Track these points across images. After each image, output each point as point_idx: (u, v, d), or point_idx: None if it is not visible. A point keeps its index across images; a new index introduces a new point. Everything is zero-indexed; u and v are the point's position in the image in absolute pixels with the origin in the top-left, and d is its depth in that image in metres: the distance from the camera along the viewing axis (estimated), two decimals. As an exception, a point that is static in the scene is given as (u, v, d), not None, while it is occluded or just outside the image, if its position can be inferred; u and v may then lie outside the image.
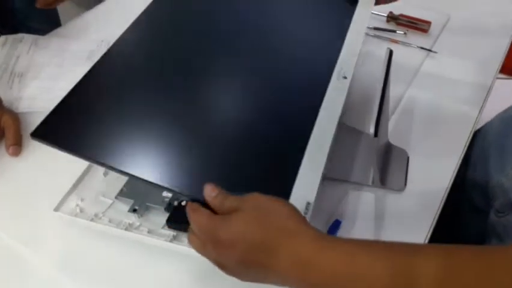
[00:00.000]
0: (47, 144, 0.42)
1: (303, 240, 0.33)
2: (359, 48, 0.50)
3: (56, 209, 0.51)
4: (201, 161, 0.42)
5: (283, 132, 0.43)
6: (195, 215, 0.38)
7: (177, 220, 0.48)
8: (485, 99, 0.64)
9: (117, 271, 0.48)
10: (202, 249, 0.38)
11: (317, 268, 0.32)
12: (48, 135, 0.42)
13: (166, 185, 0.41)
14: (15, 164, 0.60)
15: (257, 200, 0.36)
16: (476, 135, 0.66)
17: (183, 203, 0.50)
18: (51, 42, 0.78)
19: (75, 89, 0.46)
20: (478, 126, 0.62)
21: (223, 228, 0.35)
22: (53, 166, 0.58)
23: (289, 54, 0.50)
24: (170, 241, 0.48)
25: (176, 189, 0.41)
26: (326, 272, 0.32)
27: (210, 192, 0.38)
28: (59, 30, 0.82)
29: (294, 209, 0.36)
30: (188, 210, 0.39)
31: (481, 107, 0.63)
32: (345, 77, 0.46)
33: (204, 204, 0.39)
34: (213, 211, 0.38)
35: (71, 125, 0.44)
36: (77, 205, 0.52)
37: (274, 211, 0.35)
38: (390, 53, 0.51)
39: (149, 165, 0.42)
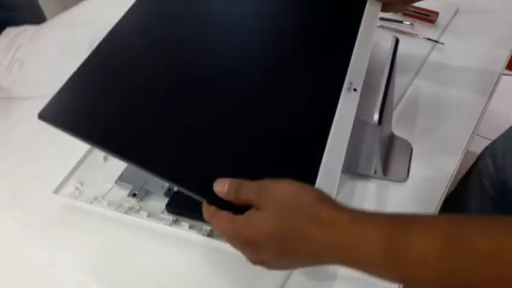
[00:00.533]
0: (55, 126, 0.40)
1: (339, 226, 0.32)
2: (367, 59, 0.48)
3: (56, 192, 0.51)
4: (218, 161, 0.40)
5: (293, 151, 0.41)
6: (215, 221, 0.36)
7: (177, 205, 0.48)
8: (491, 93, 0.63)
9: (116, 255, 0.47)
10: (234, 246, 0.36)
11: (358, 252, 0.31)
12: (56, 117, 0.41)
13: (174, 182, 0.39)
14: (16, 147, 0.59)
15: (279, 189, 0.34)
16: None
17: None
18: (53, 30, 0.78)
19: (80, 70, 0.44)
20: (484, 121, 0.61)
21: (250, 228, 0.34)
22: (54, 149, 0.58)
23: (296, 65, 0.47)
24: (170, 225, 0.47)
25: (191, 192, 0.38)
26: (367, 254, 0.31)
27: (220, 189, 0.36)
28: (61, 17, 0.81)
29: (320, 193, 0.34)
30: (207, 217, 0.37)
31: (487, 101, 0.62)
32: (355, 89, 0.45)
33: (220, 201, 0.37)
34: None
35: (80, 108, 0.42)
36: (77, 188, 0.52)
37: (301, 199, 0.33)
38: (397, 41, 0.51)
39: (157, 156, 0.40)
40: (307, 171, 0.38)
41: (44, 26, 0.80)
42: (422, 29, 0.70)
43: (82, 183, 0.53)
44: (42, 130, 0.60)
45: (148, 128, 0.41)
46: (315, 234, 0.32)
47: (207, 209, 0.37)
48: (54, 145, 0.58)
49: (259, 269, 0.36)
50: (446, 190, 0.53)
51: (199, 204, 0.48)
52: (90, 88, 0.44)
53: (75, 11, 0.82)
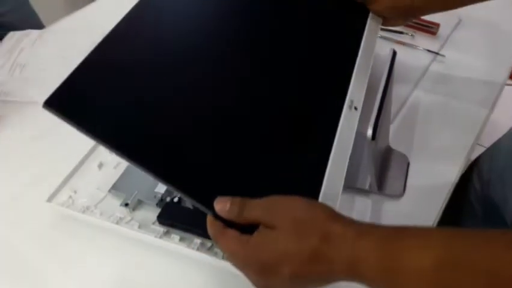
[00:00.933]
0: (61, 117, 0.37)
1: (347, 241, 0.31)
2: (367, 77, 0.48)
3: (49, 200, 0.51)
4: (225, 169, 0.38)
5: (296, 170, 0.40)
6: (223, 241, 0.34)
7: (168, 216, 0.48)
8: (492, 107, 0.62)
9: (105, 265, 0.47)
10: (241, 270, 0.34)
11: (362, 266, 0.31)
12: (63, 107, 0.38)
13: (177, 188, 0.37)
14: (14, 151, 0.60)
15: (291, 206, 0.33)
16: (492, 149, 0.63)
17: (175, 200, 0.50)
18: (56, 35, 0.78)
19: (90, 58, 0.41)
20: (485, 135, 0.61)
21: (264, 250, 0.32)
22: (48, 156, 0.58)
23: (298, 83, 0.46)
24: (160, 237, 0.47)
25: (195, 200, 0.36)
26: (368, 269, 0.31)
27: (221, 207, 0.34)
28: (63, 22, 0.82)
29: (331, 209, 0.34)
30: (212, 234, 0.35)
31: (488, 115, 0.61)
32: (356, 108, 0.44)
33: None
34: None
35: (90, 99, 0.39)
36: (70, 197, 0.52)
37: (314, 216, 0.32)
38: (394, 54, 0.50)
39: (161, 158, 0.37)
40: (310, 190, 0.38)
41: (46, 31, 0.80)
42: (423, 41, 0.70)
43: (75, 192, 0.53)
44: (42, 135, 0.61)
45: (154, 128, 0.39)
46: (329, 252, 0.31)
47: (213, 225, 0.35)
48: (52, 150, 0.59)
49: (250, 283, 0.35)
50: (443, 206, 0.52)
51: (191, 216, 0.48)
52: (101, 78, 0.41)
53: (77, 16, 0.83)
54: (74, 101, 0.39)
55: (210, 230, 0.35)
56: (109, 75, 0.41)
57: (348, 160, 0.42)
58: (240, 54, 0.47)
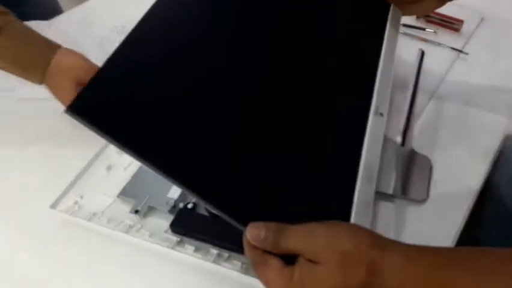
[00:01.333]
0: (88, 125, 0.32)
1: (395, 269, 0.30)
2: (391, 81, 0.46)
3: (53, 206, 0.48)
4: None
5: (327, 182, 0.38)
6: (265, 271, 0.32)
7: (182, 224, 0.45)
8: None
9: (113, 275, 0.45)
10: None
11: None
12: (91, 115, 0.33)
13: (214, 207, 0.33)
14: (19, 151, 0.57)
15: (336, 236, 0.31)
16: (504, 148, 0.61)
17: (189, 206, 0.47)
18: (64, 27, 0.75)
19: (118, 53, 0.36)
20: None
21: (309, 286, 0.30)
22: (54, 159, 0.55)
23: (322, 92, 0.43)
24: (173, 247, 0.44)
25: (232, 218, 0.33)
26: None
27: (255, 235, 0.31)
28: (72, 13, 0.79)
29: (370, 234, 0.31)
30: (252, 260, 0.32)
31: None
32: (381, 114, 0.42)
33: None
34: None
35: (122, 105, 0.34)
36: (76, 202, 0.49)
37: (359, 246, 0.30)
38: (422, 55, 0.47)
39: (185, 162, 0.34)
40: (342, 198, 0.37)
41: (54, 22, 0.77)
42: (446, 37, 0.67)
43: (81, 197, 0.50)
44: (46, 135, 0.58)
45: (193, 143, 0.35)
46: (375, 283, 0.29)
47: (253, 251, 0.32)
48: (56, 153, 0.56)
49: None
50: (468, 211, 0.50)
51: (207, 224, 0.45)
52: (129, 80, 0.36)
53: (87, 8, 0.80)
54: (102, 107, 0.34)
55: (249, 254, 0.32)
56: (138, 77, 0.37)
57: (378, 167, 0.40)
58: (258, 57, 0.44)
